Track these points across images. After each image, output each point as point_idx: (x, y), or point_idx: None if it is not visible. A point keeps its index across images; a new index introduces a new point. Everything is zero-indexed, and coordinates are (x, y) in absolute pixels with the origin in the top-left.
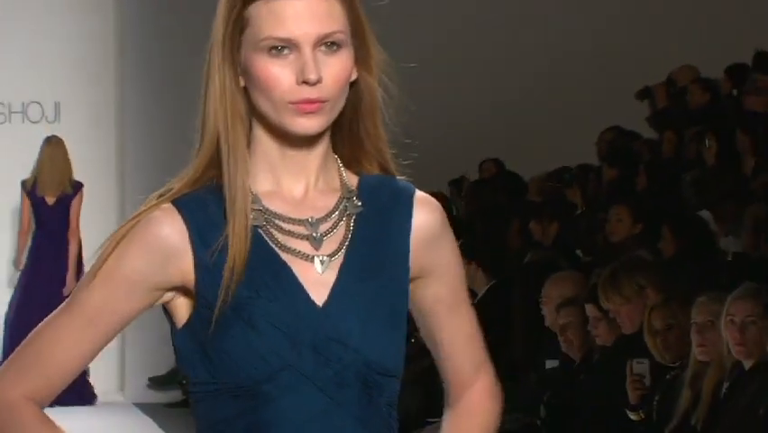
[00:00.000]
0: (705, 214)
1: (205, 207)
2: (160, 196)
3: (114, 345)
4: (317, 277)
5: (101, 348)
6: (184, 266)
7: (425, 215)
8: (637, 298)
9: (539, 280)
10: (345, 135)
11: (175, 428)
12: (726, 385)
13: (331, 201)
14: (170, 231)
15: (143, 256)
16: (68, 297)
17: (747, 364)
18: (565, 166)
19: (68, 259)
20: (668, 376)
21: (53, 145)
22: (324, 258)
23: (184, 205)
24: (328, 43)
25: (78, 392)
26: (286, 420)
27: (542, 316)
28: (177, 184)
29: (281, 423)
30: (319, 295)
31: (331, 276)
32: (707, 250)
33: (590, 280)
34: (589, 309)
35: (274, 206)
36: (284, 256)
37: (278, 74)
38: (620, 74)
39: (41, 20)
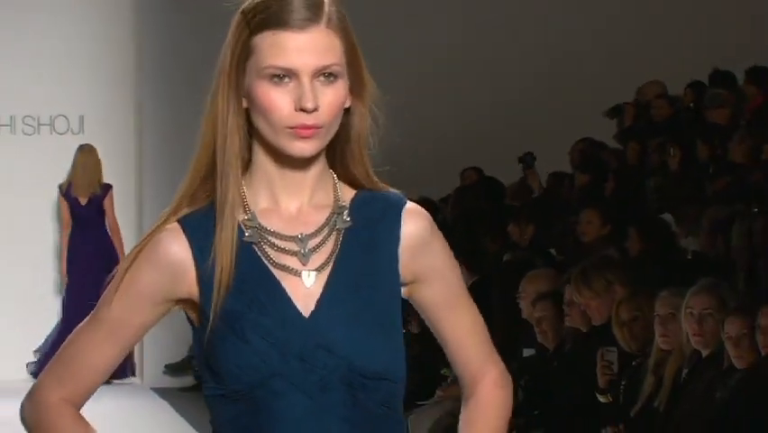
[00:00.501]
0: (667, 216)
1: (205, 226)
2: (170, 215)
3: None
4: (305, 290)
5: (125, 353)
6: (189, 281)
7: (413, 224)
8: (606, 292)
9: (516, 277)
10: (338, 156)
11: (187, 409)
12: (685, 372)
13: (322, 217)
14: (177, 249)
15: (154, 272)
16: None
17: (705, 353)
18: (529, 152)
19: (106, 251)
20: (633, 363)
21: (85, 152)
22: (312, 272)
23: (188, 224)
24: (326, 74)
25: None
26: (279, 422)
27: (519, 309)
28: (176, 196)
29: (275, 424)
30: (306, 306)
31: (318, 288)
32: (669, 249)
33: (563, 277)
34: (568, 292)
35: (269, 223)
36: (275, 272)
37: (278, 100)
38: (594, 92)
39: (67, 40)
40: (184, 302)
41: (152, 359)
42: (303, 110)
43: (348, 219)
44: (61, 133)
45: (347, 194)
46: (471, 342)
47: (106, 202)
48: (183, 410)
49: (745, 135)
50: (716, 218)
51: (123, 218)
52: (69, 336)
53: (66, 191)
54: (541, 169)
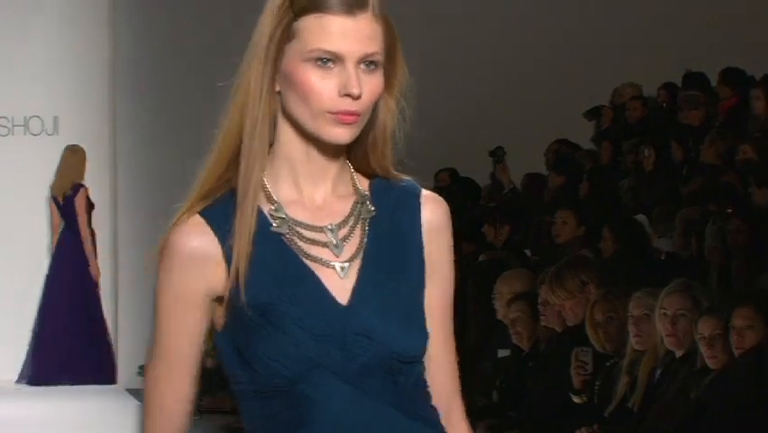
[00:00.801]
0: (641, 217)
1: (228, 215)
2: (189, 207)
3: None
4: (339, 281)
5: (198, 369)
6: (220, 273)
7: (432, 210)
8: (580, 293)
9: (491, 277)
10: (356, 145)
11: None
12: (659, 372)
13: (347, 206)
14: (200, 242)
15: (185, 274)
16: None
17: (678, 353)
18: (499, 146)
19: (81, 250)
20: (608, 363)
21: (67, 152)
22: (345, 264)
23: (210, 215)
24: (368, 62)
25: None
26: (322, 414)
27: (494, 310)
28: (194, 189)
29: (318, 417)
30: (343, 296)
31: (351, 279)
32: (642, 250)
33: (538, 277)
34: (543, 293)
35: (296, 214)
36: (308, 263)
37: (322, 84)
38: (569, 94)
39: (42, 40)
40: (219, 300)
41: (127, 360)
42: (348, 95)
43: (372, 208)
44: (36, 134)
45: (363, 183)
46: (453, 360)
47: (77, 201)
48: None
49: (718, 136)
50: (689, 219)
51: (98, 219)
52: (146, 383)
53: (51, 191)
54: (516, 170)
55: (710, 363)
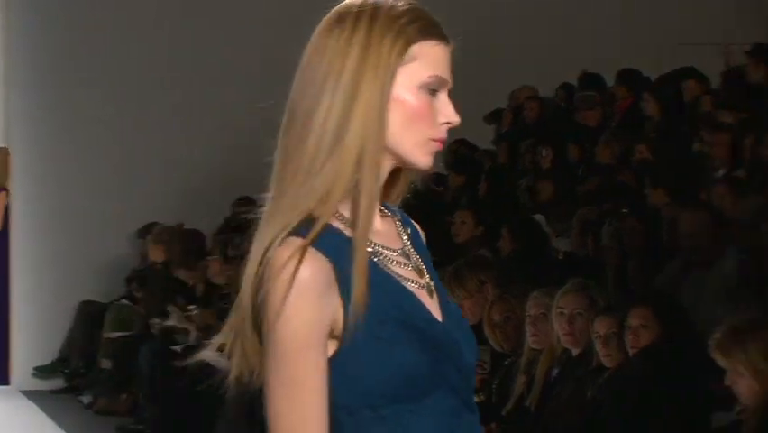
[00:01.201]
0: (539, 217)
1: (335, 246)
2: (308, 241)
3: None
4: (431, 300)
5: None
6: (336, 301)
7: (422, 234)
8: (478, 292)
9: None
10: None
11: (57, 411)
12: (556, 371)
13: (394, 228)
14: (326, 274)
15: (319, 304)
16: None
17: (575, 352)
18: None
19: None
20: (505, 363)
21: None
22: (428, 282)
23: (324, 245)
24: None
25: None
26: (436, 428)
27: None
28: (302, 215)
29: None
30: (438, 314)
31: (435, 297)
32: (541, 249)
33: None
34: None
35: (375, 238)
36: (406, 285)
37: (431, 111)
38: (468, 95)
39: None
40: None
41: (21, 361)
42: (448, 123)
43: (409, 230)
44: None
45: None
46: None
47: None
48: (53, 413)
49: (613, 137)
50: (586, 219)
51: None
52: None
53: None
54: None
55: (605, 362)
